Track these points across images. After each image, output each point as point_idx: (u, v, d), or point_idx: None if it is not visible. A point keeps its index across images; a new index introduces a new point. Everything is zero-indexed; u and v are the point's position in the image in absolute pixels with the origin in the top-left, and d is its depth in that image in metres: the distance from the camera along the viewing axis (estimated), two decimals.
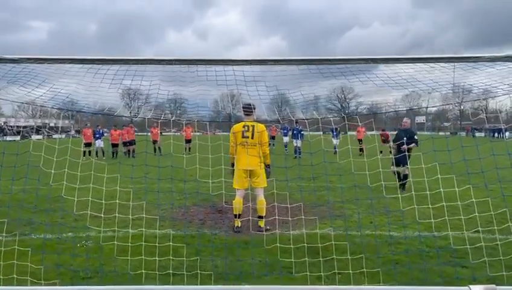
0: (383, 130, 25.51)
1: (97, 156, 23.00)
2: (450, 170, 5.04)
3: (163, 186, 9.51)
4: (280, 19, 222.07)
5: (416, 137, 11.36)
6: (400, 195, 5.28)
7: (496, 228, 5.22)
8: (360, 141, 25.23)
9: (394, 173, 10.91)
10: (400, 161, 10.54)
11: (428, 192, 5.02)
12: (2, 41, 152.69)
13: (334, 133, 25.19)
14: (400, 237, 6.32)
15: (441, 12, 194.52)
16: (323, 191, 9.39)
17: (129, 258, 4.83)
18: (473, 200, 5.06)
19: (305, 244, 4.96)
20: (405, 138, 10.24)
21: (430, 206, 5.10)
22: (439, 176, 4.93)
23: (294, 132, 23.62)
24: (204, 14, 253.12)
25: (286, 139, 27.67)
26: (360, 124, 5.67)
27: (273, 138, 34.70)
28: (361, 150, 22.56)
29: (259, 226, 6.79)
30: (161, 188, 9.82)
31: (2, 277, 4.53)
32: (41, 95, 4.72)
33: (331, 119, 5.69)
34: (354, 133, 27.68)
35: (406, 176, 10.65)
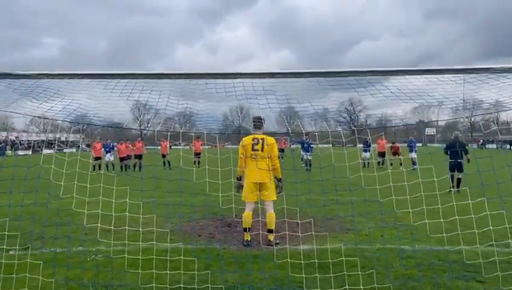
0: (393, 143, 25.36)
1: (107, 170, 23.15)
2: (463, 183, 4.98)
3: (173, 199, 9.53)
4: (289, 33, 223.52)
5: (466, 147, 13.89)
6: (410, 210, 5.18)
7: (510, 241, 5.12)
8: (381, 153, 23.78)
9: (451, 178, 12.53)
10: (456, 168, 12.40)
11: (440, 206, 4.96)
12: (14, 58, 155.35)
13: (366, 146, 23.60)
14: (411, 250, 6.23)
15: (453, 25, 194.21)
16: (333, 205, 9.32)
17: (140, 271, 4.81)
18: (488, 213, 4.98)
19: (316, 260, 4.91)
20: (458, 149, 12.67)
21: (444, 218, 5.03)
22: (452, 189, 4.86)
23: (304, 145, 23.54)
24: (214, 28, 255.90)
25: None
26: (369, 137, 5.64)
27: (282, 150, 34.64)
28: (379, 163, 22.14)
29: (269, 240, 6.74)
30: (170, 202, 9.83)
31: None
32: (52, 108, 4.79)
33: (341, 132, 5.66)
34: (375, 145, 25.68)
35: (459, 180, 12.39)
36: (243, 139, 7.07)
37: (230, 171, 6.16)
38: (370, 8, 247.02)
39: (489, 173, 5.02)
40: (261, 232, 6.30)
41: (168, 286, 4.63)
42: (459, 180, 12.49)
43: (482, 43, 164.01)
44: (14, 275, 4.76)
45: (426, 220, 5.03)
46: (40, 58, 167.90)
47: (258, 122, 7.00)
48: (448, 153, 13.19)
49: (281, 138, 35.61)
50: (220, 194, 5.53)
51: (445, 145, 14.79)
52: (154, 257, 5.02)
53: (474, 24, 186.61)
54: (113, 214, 5.31)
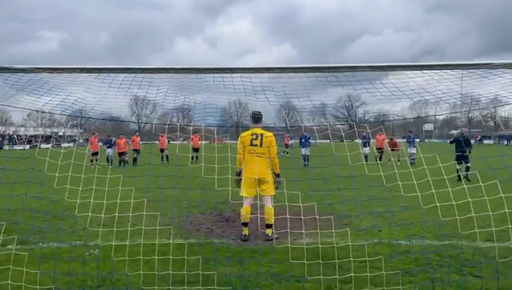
0: (391, 139, 25.33)
1: (108, 163, 23.15)
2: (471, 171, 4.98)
3: (171, 194, 9.52)
4: (291, 28, 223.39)
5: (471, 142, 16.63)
6: (419, 193, 5.15)
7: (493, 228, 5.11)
8: (379, 149, 23.21)
9: (457, 170, 13.56)
10: (462, 159, 13.95)
11: (443, 189, 4.95)
12: (12, 51, 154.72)
13: (365, 141, 23.13)
14: (408, 245, 6.23)
15: (456, 20, 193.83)
16: (333, 198, 9.32)
17: (140, 266, 4.81)
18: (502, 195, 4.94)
19: (316, 248, 4.90)
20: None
21: (452, 202, 4.97)
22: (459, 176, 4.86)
23: (302, 140, 23.47)
24: (214, 22, 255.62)
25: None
26: (368, 130, 5.65)
27: (287, 146, 34.66)
28: (377, 158, 22.08)
29: (267, 235, 6.75)
30: (168, 196, 9.82)
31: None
32: (49, 102, 4.76)
33: (340, 126, 5.66)
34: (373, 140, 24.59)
35: (467, 169, 14.15)
36: (242, 134, 7.06)
37: (227, 165, 6.15)
38: (372, 3, 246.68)
39: (494, 158, 5.01)
40: (259, 215, 6.28)
41: (167, 281, 4.63)
42: (467, 168, 14.21)
43: (485, 38, 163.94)
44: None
45: (437, 203, 4.98)
46: (39, 51, 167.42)
47: (257, 117, 6.99)
48: (455, 145, 14.99)
49: (286, 134, 35.71)
50: (215, 177, 5.49)
51: (451, 139, 17.15)
52: (155, 254, 5.02)
53: (478, 19, 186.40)
54: (104, 202, 5.28)
